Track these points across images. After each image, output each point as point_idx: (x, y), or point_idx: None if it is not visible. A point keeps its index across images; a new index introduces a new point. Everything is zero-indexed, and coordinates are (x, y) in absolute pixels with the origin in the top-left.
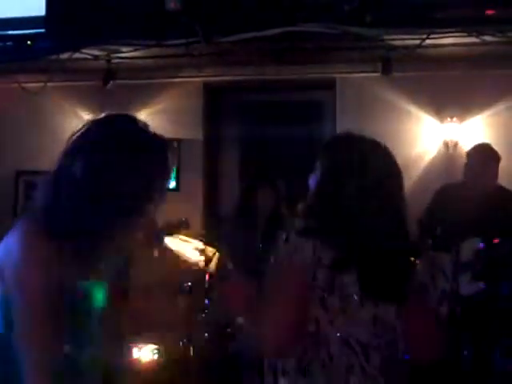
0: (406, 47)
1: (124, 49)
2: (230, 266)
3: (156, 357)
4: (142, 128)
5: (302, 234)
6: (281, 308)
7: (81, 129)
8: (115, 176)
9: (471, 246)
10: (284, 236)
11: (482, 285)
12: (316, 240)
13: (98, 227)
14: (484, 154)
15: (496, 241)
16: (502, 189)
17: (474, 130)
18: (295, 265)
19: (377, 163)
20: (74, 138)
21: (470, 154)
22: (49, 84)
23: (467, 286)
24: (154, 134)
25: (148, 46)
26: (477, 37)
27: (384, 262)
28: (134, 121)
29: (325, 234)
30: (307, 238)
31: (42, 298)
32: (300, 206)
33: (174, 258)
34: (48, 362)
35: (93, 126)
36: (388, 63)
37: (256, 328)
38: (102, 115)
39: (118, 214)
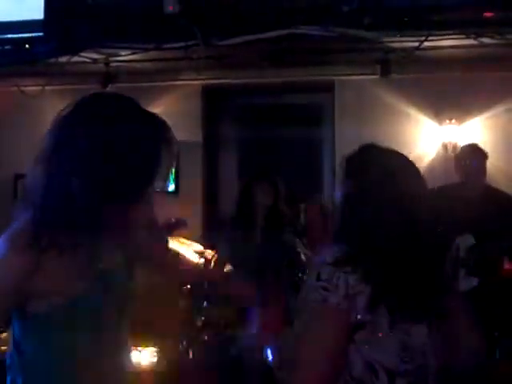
0: (404, 49)
1: (123, 52)
2: (229, 266)
3: (155, 359)
4: (138, 106)
5: (333, 267)
6: (316, 358)
7: (69, 107)
8: (119, 152)
9: (465, 243)
10: (315, 273)
11: (475, 281)
12: (348, 274)
13: (95, 215)
14: (480, 154)
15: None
16: (491, 187)
17: (472, 132)
18: (330, 308)
19: (404, 185)
20: (65, 114)
21: (467, 154)
22: (47, 87)
23: (462, 282)
24: (152, 113)
25: (147, 50)
26: (475, 39)
27: (415, 288)
28: (130, 100)
29: (356, 267)
30: (339, 274)
31: None
32: (303, 207)
33: (174, 259)
34: None
35: (83, 105)
36: (387, 65)
37: (287, 371)
38: (90, 93)
39: (119, 197)
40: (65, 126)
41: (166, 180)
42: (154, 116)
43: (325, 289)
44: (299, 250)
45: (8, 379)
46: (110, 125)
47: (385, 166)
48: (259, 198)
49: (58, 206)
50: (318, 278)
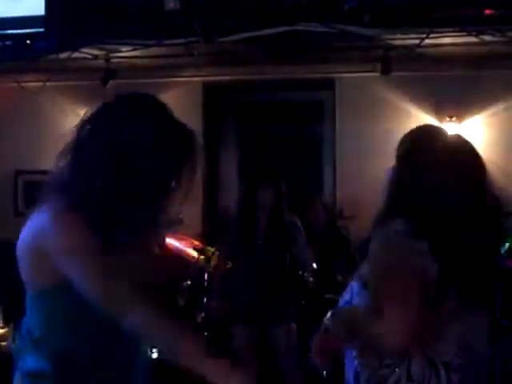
0: (405, 47)
1: (123, 48)
2: (229, 264)
3: (155, 355)
4: (169, 114)
5: (404, 236)
6: (406, 305)
7: (100, 105)
8: (136, 158)
9: None
10: (392, 235)
11: None
12: (420, 244)
13: (113, 215)
14: None
15: None
16: None
17: (473, 130)
18: (414, 266)
19: (461, 159)
20: (93, 112)
21: None
22: (48, 83)
23: None
24: (181, 123)
25: (147, 46)
26: (476, 36)
27: (483, 271)
28: (162, 106)
29: (429, 241)
30: (412, 242)
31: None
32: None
33: (174, 255)
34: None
35: (112, 105)
36: (387, 63)
37: (372, 330)
38: (127, 93)
39: (143, 201)
40: (91, 123)
41: (190, 184)
42: (182, 126)
43: (399, 248)
44: (298, 224)
45: (18, 362)
46: (133, 129)
47: (446, 145)
48: (261, 198)
49: (79, 204)
50: (389, 240)
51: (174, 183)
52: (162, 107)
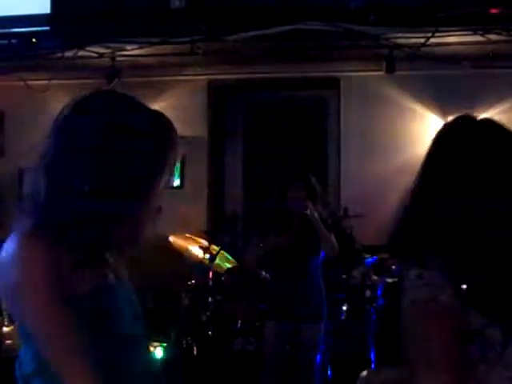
0: (410, 46)
1: (128, 47)
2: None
3: (160, 354)
4: (142, 105)
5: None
6: (444, 373)
7: (69, 107)
8: (117, 155)
9: None
10: (416, 272)
11: None
12: (453, 281)
13: (97, 219)
14: None
15: None
16: None
17: None
18: (444, 307)
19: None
20: (64, 115)
21: None
22: (53, 82)
23: None
24: (157, 112)
25: (152, 44)
26: (481, 35)
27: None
28: (132, 98)
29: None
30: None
31: (56, 299)
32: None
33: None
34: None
35: (83, 104)
36: (392, 62)
37: None
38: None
39: (120, 201)
40: (64, 127)
41: (170, 177)
42: (159, 115)
43: (429, 286)
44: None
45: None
46: (110, 125)
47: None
48: (293, 202)
49: (61, 208)
50: (420, 277)
51: (156, 176)
52: (131, 100)
